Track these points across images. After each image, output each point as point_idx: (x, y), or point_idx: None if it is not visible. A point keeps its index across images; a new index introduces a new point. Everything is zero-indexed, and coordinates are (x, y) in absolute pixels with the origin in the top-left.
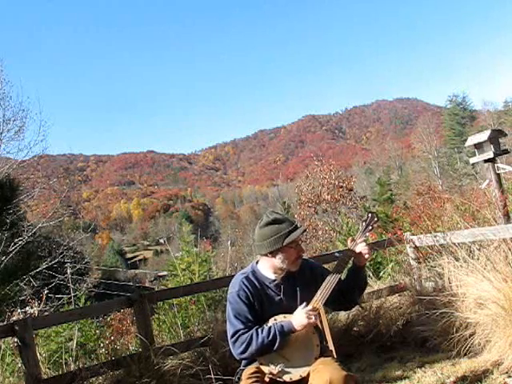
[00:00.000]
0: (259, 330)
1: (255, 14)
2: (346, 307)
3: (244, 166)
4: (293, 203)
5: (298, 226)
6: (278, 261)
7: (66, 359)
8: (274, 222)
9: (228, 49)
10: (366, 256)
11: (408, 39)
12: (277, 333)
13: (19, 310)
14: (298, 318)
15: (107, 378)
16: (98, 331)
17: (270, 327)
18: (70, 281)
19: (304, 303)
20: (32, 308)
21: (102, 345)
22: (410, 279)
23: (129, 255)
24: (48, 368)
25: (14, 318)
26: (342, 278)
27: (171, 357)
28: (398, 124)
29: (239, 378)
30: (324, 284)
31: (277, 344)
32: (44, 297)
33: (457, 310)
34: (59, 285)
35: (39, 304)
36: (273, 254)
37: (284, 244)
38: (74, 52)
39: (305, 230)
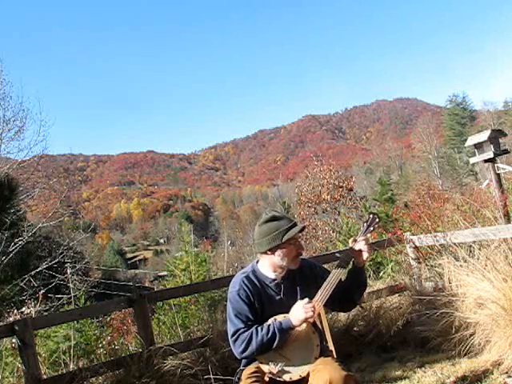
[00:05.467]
0: (259, 329)
1: (255, 14)
2: (345, 308)
3: (244, 166)
4: (293, 203)
5: (297, 223)
6: (277, 258)
7: (65, 359)
8: (273, 219)
9: (228, 49)
10: (366, 255)
11: (408, 39)
12: (276, 330)
13: (15, 311)
14: (296, 313)
15: (107, 378)
16: (97, 331)
17: (269, 325)
18: (70, 281)
19: (306, 299)
20: (29, 308)
21: (100, 345)
22: (410, 279)
23: (129, 255)
24: (47, 368)
25: (11, 319)
26: (343, 280)
27: (171, 357)
28: (397, 124)
29: (239, 378)
30: (324, 284)
31: (276, 341)
32: (41, 297)
33: (457, 310)
34: (59, 285)
35: (35, 304)
36: (272, 251)
37: (283, 240)
38: (73, 52)
39: (304, 227)
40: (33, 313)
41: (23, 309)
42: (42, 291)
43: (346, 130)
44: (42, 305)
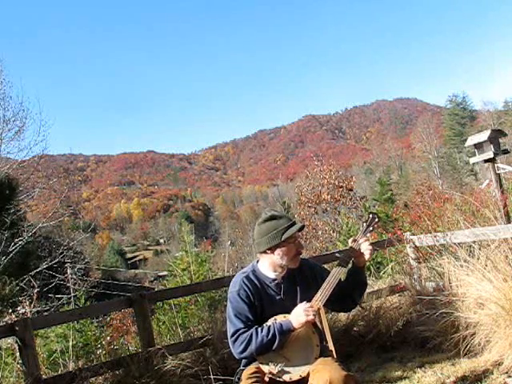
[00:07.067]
0: (259, 329)
1: (255, 14)
2: (345, 308)
3: (244, 166)
4: (293, 203)
5: (296, 222)
6: (277, 257)
7: (64, 359)
8: (272, 218)
9: (228, 49)
10: (368, 256)
11: (408, 39)
12: (276, 332)
13: (10, 310)
14: (297, 315)
15: (107, 378)
16: (97, 331)
17: (269, 326)
18: (70, 281)
19: (308, 303)
20: (24, 308)
21: (99, 346)
22: (410, 279)
23: (129, 255)
24: (47, 368)
25: (6, 319)
26: (342, 279)
27: (171, 357)
28: (397, 124)
29: (239, 379)
30: (324, 284)
31: (276, 343)
32: (35, 296)
33: (457, 310)
34: (59, 285)
35: (31, 304)
36: (272, 250)
37: (282, 239)
38: (73, 52)
39: (303, 226)
40: (28, 312)
41: (18, 308)
42: (36, 290)
43: (345, 130)
44: (42, 304)
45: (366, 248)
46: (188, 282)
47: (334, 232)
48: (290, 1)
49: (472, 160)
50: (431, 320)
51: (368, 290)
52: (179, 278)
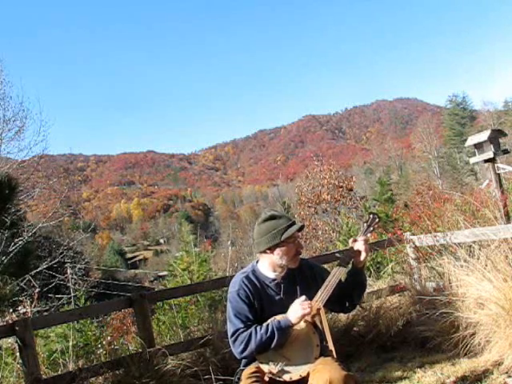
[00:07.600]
0: (258, 328)
1: (255, 14)
2: (345, 310)
3: (244, 165)
4: (293, 203)
5: (296, 222)
6: (276, 257)
7: (64, 359)
8: (272, 218)
9: (228, 49)
10: (364, 255)
11: (408, 39)
12: (274, 328)
13: (11, 310)
14: (293, 310)
15: (107, 378)
16: (97, 331)
17: (268, 324)
18: (70, 281)
19: (303, 297)
20: (25, 308)
21: (99, 346)
22: (410, 279)
23: (129, 255)
24: (46, 368)
25: (7, 318)
26: (343, 280)
27: (171, 357)
28: (398, 124)
29: (239, 378)
30: (324, 284)
31: (275, 340)
32: (36, 296)
33: (457, 310)
34: (59, 285)
35: (31, 303)
36: (271, 249)
37: (282, 239)
38: (73, 52)
39: (303, 226)
40: (29, 312)
41: (19, 308)
42: (37, 290)
43: (345, 130)
44: (43, 305)
45: (361, 247)
46: (188, 281)
47: (333, 232)
48: (290, 1)
49: (472, 160)
50: (431, 320)
51: (368, 290)
52: (179, 277)
